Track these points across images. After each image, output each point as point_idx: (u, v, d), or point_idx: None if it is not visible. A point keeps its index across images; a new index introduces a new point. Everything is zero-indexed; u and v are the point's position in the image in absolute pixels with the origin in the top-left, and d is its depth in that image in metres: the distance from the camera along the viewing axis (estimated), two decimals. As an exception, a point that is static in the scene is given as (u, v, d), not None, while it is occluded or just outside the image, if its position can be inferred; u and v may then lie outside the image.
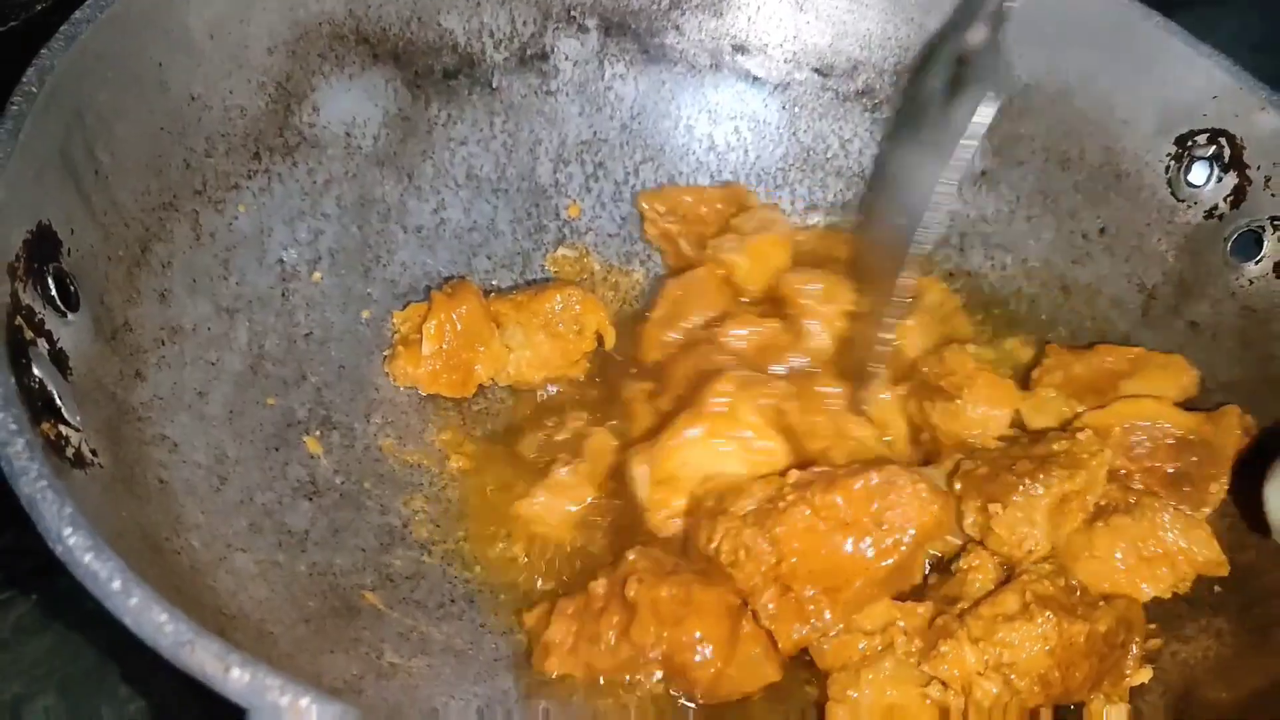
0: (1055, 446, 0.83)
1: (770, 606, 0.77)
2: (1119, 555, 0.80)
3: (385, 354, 0.97)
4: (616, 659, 0.77)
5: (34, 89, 0.73)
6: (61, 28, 0.78)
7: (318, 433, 0.91)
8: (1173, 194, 0.98)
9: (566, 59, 1.08)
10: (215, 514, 0.79)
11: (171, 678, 0.53)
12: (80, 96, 0.78)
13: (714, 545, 0.79)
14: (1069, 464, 0.81)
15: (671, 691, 0.79)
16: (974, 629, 0.75)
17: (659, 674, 0.78)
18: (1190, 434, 0.86)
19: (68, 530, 0.55)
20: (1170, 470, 0.85)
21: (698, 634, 0.76)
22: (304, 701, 0.50)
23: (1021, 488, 0.80)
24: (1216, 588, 0.83)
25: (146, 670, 0.81)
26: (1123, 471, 0.86)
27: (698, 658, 0.76)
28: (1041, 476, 0.81)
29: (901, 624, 0.78)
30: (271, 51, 0.94)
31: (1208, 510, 0.84)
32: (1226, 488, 0.84)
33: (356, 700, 0.73)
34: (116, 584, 0.54)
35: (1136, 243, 1.00)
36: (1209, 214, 0.96)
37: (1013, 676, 0.75)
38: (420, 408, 0.97)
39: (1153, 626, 0.83)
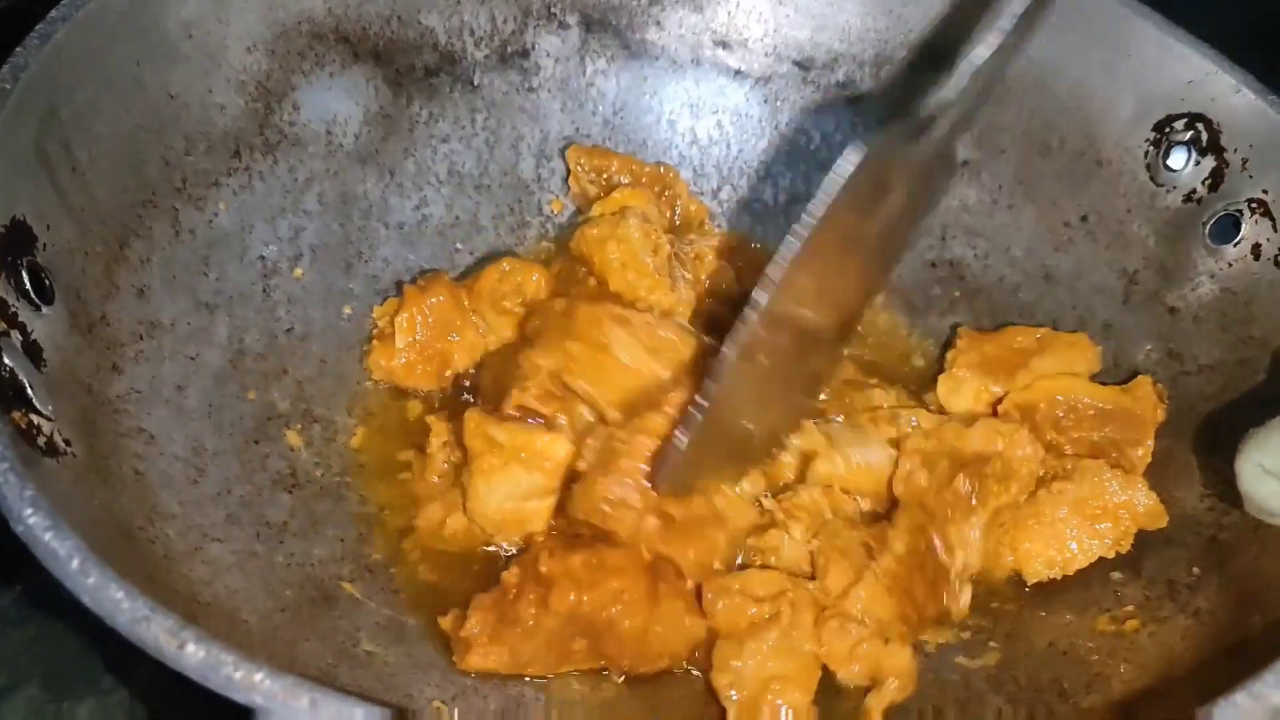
0: (985, 447, 0.86)
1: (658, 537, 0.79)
2: (1063, 517, 0.85)
3: (365, 349, 0.98)
4: (538, 637, 0.76)
5: (7, 86, 0.74)
6: (37, 27, 0.79)
7: (298, 426, 0.91)
8: (1152, 179, 0.98)
9: (548, 56, 1.09)
10: (192, 505, 0.80)
11: (155, 668, 0.54)
12: (55, 94, 0.79)
13: (589, 513, 0.80)
14: (1003, 474, 0.86)
15: (601, 668, 0.79)
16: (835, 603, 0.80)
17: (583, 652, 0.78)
18: (1109, 404, 0.91)
19: (28, 511, 0.56)
20: (1096, 438, 0.91)
21: (617, 588, 0.77)
22: (258, 676, 0.50)
23: (961, 511, 0.85)
24: (1195, 569, 0.83)
25: (130, 660, 0.81)
26: (1052, 443, 0.91)
27: (618, 610, 0.76)
28: (978, 490, 0.85)
29: (790, 595, 0.79)
30: (250, 50, 0.94)
31: (1139, 473, 0.89)
32: (1151, 451, 0.90)
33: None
34: (75, 563, 0.54)
35: (1118, 229, 1.00)
36: (1188, 198, 0.96)
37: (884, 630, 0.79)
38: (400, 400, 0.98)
39: (1130, 608, 0.82)
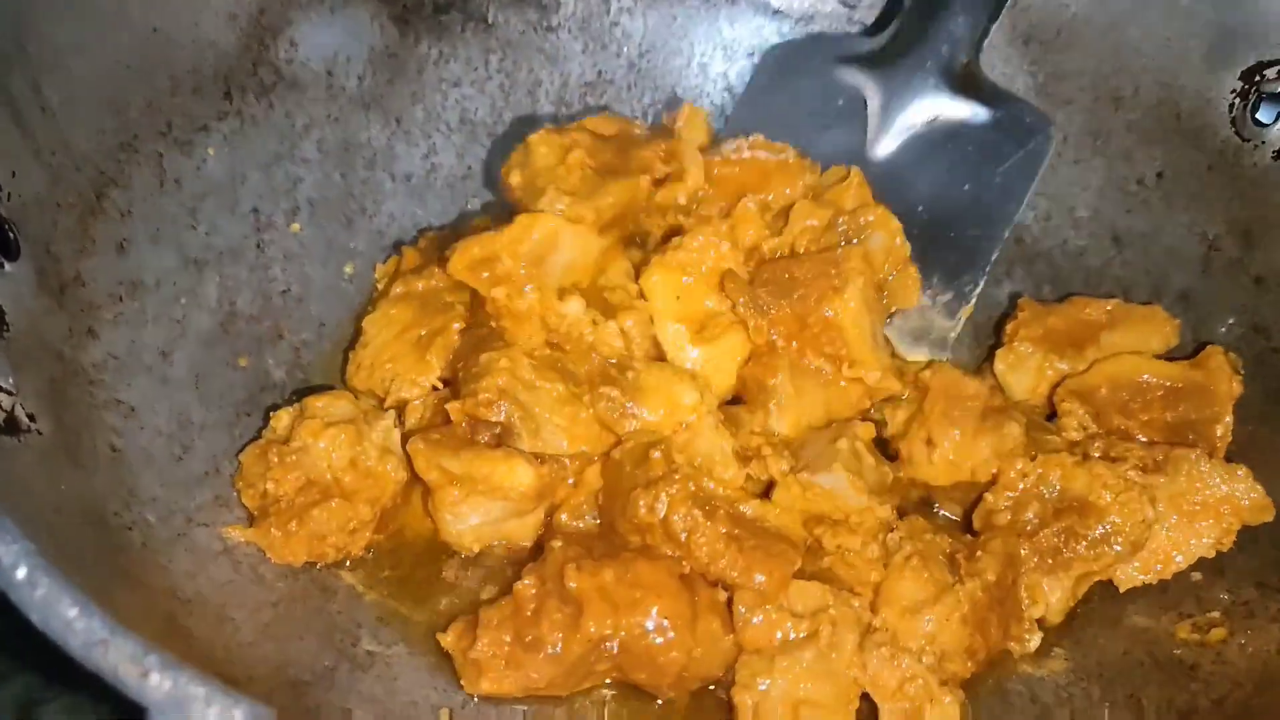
0: (1089, 495, 0.76)
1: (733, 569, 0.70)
2: (1159, 514, 0.75)
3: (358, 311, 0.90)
4: (564, 663, 0.67)
5: (-38, 19, 0.66)
6: (3, -47, 0.70)
7: (293, 397, 0.83)
8: (1238, 134, 0.89)
9: (569, -8, 1.00)
10: (175, 485, 0.72)
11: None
12: (25, 29, 0.71)
13: (658, 516, 0.71)
14: (1103, 539, 0.75)
15: (637, 684, 0.71)
16: (892, 624, 0.70)
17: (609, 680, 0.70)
18: (1178, 382, 0.83)
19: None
20: (1169, 419, 0.82)
21: (656, 614, 0.67)
22: (238, 713, 0.42)
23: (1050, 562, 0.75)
24: (1286, 574, 0.75)
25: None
26: (1121, 429, 0.82)
27: (660, 641, 0.67)
28: (1070, 549, 0.75)
29: (833, 612, 0.70)
30: (244, -20, 0.86)
31: (1222, 454, 0.81)
32: (1230, 428, 0.81)
33: (327, 695, 0.65)
34: (21, 572, 0.46)
35: (1197, 188, 0.91)
36: (1278, 155, 0.86)
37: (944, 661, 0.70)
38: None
39: (1215, 614, 0.74)
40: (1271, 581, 0.75)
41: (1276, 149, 0.87)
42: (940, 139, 0.93)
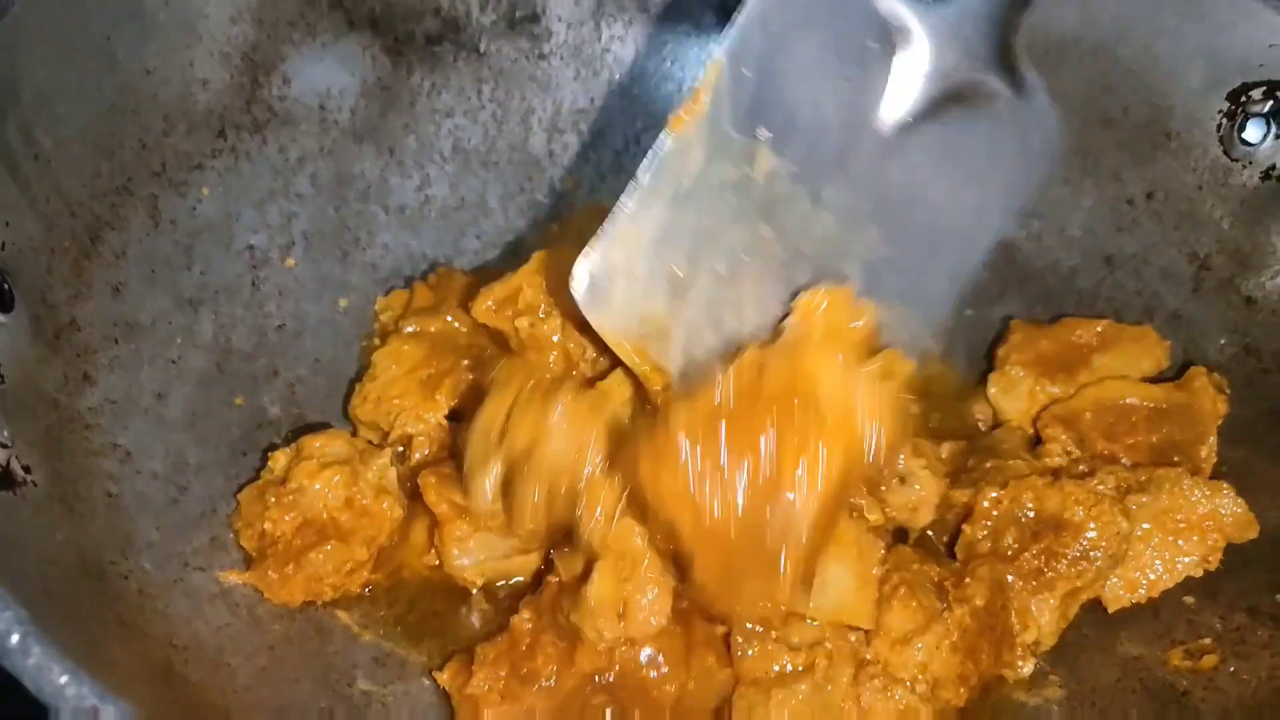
0: (1064, 513, 0.76)
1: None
2: (1144, 533, 0.77)
3: (363, 344, 0.90)
4: (558, 696, 0.68)
5: (-46, 68, 0.67)
6: (-9, 2, 0.71)
7: (289, 433, 0.84)
8: (1226, 153, 0.89)
9: (559, 20, 1.00)
10: (171, 529, 0.73)
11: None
12: (14, 75, 0.71)
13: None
14: (1081, 556, 0.75)
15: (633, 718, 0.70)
16: (884, 655, 0.70)
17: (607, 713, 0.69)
18: (1162, 403, 0.83)
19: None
20: (1154, 440, 0.83)
21: (653, 649, 0.68)
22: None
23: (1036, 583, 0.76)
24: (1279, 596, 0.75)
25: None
26: (1106, 453, 0.83)
27: (655, 675, 0.68)
28: (1051, 568, 0.75)
29: (829, 645, 0.70)
30: (235, 19, 0.86)
31: (1207, 475, 0.81)
32: (1215, 448, 0.82)
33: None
34: (15, 638, 0.47)
35: (1187, 208, 0.91)
36: (1266, 174, 0.87)
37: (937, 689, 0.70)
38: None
39: (1207, 641, 0.74)
40: (1263, 606, 0.75)
41: (1264, 168, 0.87)
42: (954, 121, 0.76)
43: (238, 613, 0.72)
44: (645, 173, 0.70)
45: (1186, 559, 0.77)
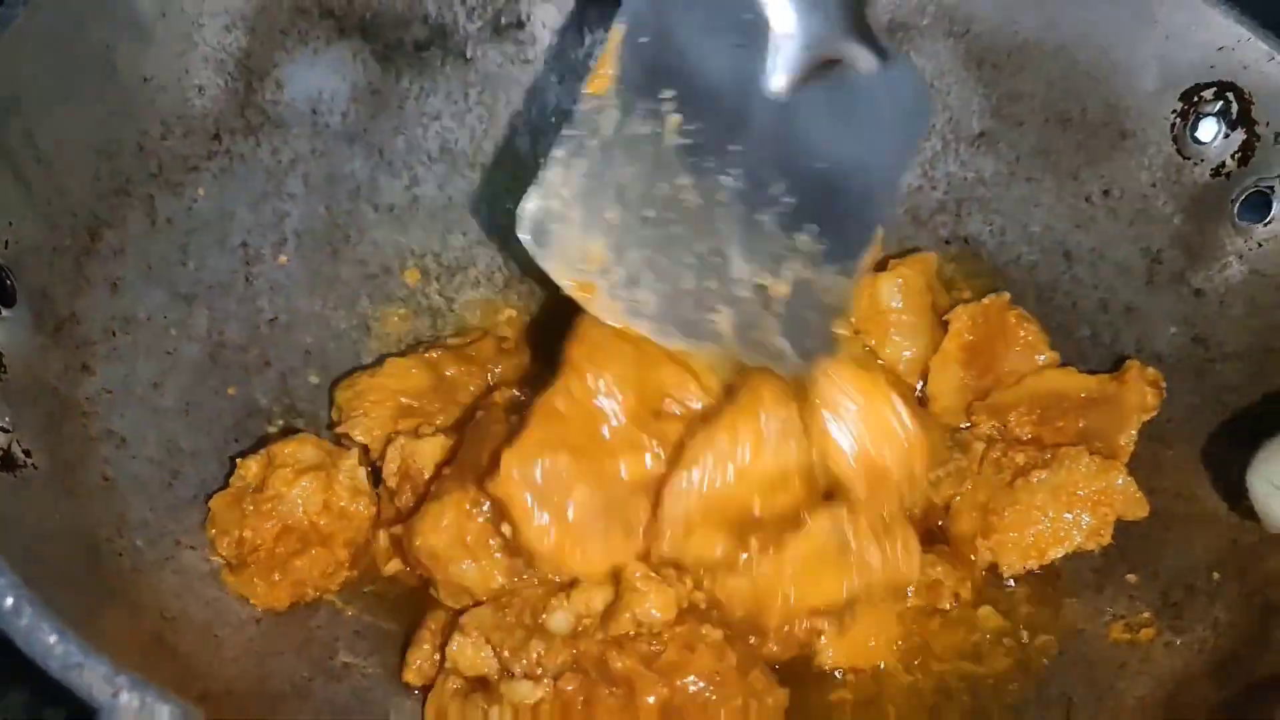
0: None
1: None
2: (1039, 504, 0.82)
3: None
4: None
5: (-41, 77, 0.71)
6: (-4, 12, 0.75)
7: (281, 421, 0.89)
8: (1179, 152, 0.92)
9: (544, 26, 1.04)
10: (164, 511, 0.77)
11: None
12: (17, 83, 0.75)
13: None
14: None
15: None
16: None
17: None
18: (1094, 393, 0.88)
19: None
20: (1080, 426, 0.87)
21: (709, 668, 0.69)
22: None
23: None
24: (1215, 574, 0.79)
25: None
26: (1033, 436, 0.88)
27: (713, 696, 0.69)
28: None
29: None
30: (229, 28, 0.90)
31: (1121, 462, 0.85)
32: (1134, 438, 0.86)
33: (302, 706, 0.71)
34: (8, 601, 0.51)
35: (1141, 205, 0.94)
36: (1216, 172, 0.90)
37: None
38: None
39: (1145, 615, 0.78)
40: (1200, 584, 0.79)
41: (1214, 166, 0.90)
42: (834, 84, 0.82)
43: (226, 589, 0.76)
44: (569, 128, 0.76)
45: (1078, 531, 0.82)
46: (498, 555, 0.74)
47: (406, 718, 0.74)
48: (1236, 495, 0.77)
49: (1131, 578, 0.82)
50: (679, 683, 0.68)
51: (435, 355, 0.92)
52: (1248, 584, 0.76)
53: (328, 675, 0.74)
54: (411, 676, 0.75)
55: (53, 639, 0.50)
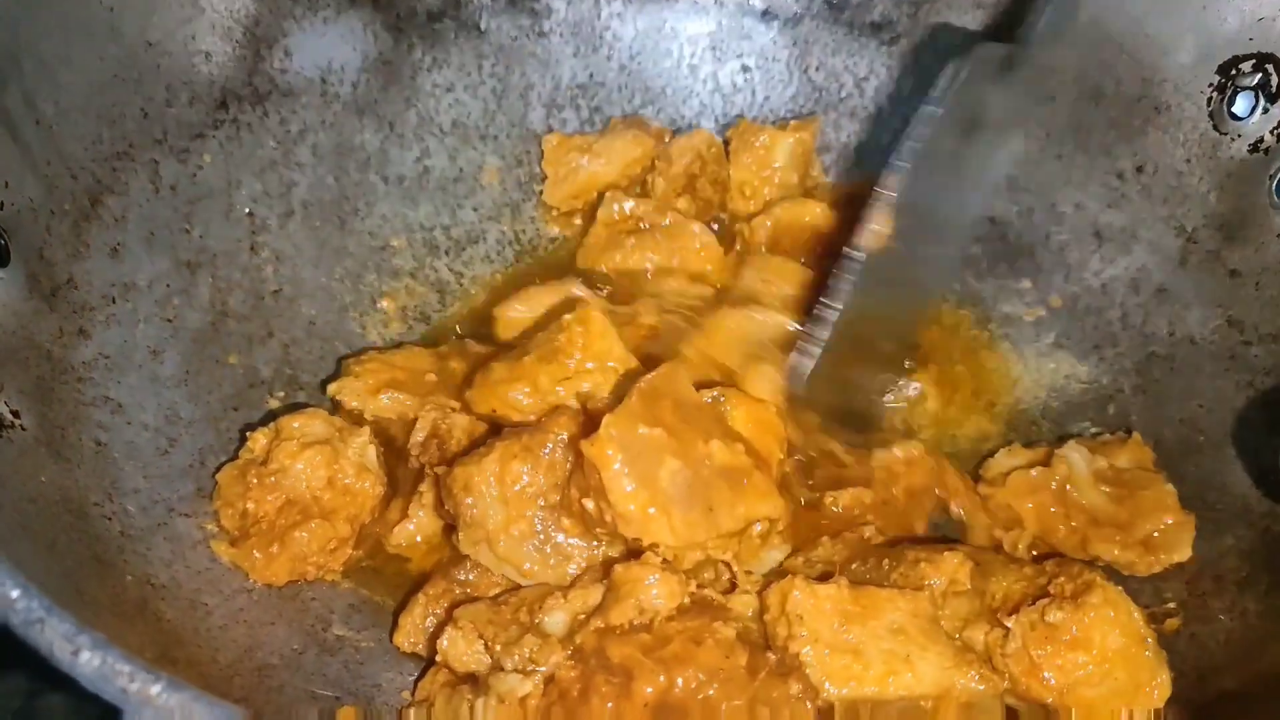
0: None
1: None
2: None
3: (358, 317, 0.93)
4: None
5: (-44, 38, 0.70)
6: (-6, -27, 0.74)
7: (282, 393, 0.87)
8: (1215, 127, 0.88)
9: (560, -2, 1.02)
10: (159, 478, 0.76)
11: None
12: (17, 46, 0.74)
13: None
14: None
15: None
16: None
17: None
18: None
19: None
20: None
21: (712, 663, 0.67)
22: (155, 689, 0.46)
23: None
24: (1246, 565, 0.75)
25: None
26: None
27: (714, 693, 0.66)
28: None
29: None
30: (238, -6, 0.89)
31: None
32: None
33: (292, 678, 0.69)
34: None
35: (1175, 182, 0.91)
36: (1254, 148, 0.86)
37: None
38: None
39: (1171, 605, 0.75)
40: (1228, 575, 0.75)
41: (1252, 142, 0.86)
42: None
43: (218, 559, 0.74)
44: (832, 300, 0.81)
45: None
46: (529, 514, 0.73)
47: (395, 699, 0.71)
48: (1268, 480, 0.73)
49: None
50: (679, 675, 0.66)
51: (444, 349, 0.90)
52: (1278, 574, 0.73)
53: (320, 647, 0.72)
54: (400, 640, 0.73)
55: (15, 594, 0.48)
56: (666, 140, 1.02)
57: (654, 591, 0.68)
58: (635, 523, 0.70)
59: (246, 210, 0.91)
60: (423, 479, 0.80)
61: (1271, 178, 0.85)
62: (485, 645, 0.70)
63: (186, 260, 0.86)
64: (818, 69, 1.04)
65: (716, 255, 0.96)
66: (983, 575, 0.74)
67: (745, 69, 1.05)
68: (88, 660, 0.47)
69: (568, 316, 0.81)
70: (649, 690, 0.65)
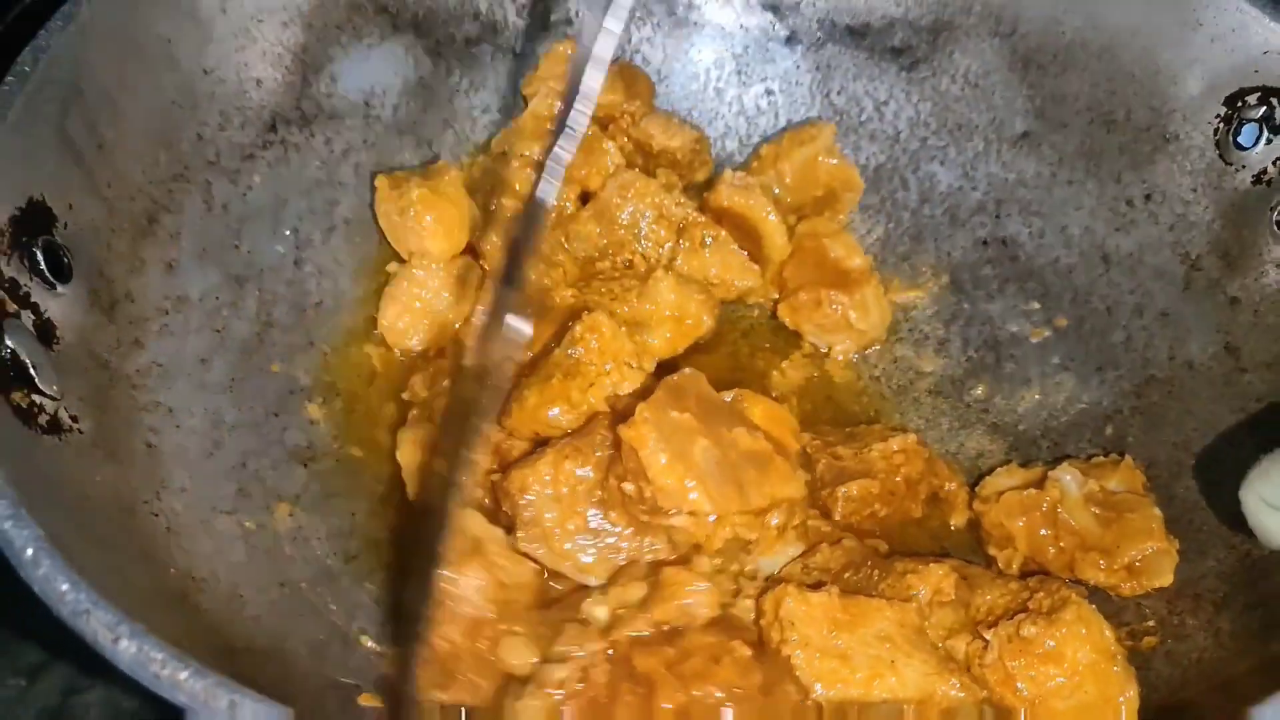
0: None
1: None
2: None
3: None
4: None
5: (27, 69, 0.76)
6: (61, 7, 0.80)
7: (320, 399, 0.93)
8: (1221, 157, 0.91)
9: (593, 22, 1.07)
10: (204, 478, 0.82)
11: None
12: (80, 74, 0.80)
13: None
14: None
15: None
16: None
17: None
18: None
19: (-9, 498, 0.58)
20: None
21: (729, 678, 0.71)
22: (183, 675, 0.52)
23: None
24: (1224, 585, 0.78)
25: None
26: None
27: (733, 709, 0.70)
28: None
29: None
30: (287, 24, 0.95)
31: None
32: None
33: (317, 667, 0.74)
34: (29, 552, 0.56)
35: (1182, 210, 0.93)
36: (1257, 179, 0.89)
37: None
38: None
39: (1150, 623, 0.78)
40: (1206, 595, 0.78)
41: (1255, 173, 0.89)
42: None
43: (255, 555, 0.80)
44: None
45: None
46: (580, 509, 0.79)
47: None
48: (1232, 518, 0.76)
49: (1141, 585, 0.81)
50: (698, 692, 0.70)
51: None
52: (1256, 595, 0.76)
53: (343, 642, 0.78)
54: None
55: (65, 587, 0.54)
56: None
57: (697, 599, 0.74)
58: (674, 494, 0.76)
59: (292, 227, 0.97)
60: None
61: (1273, 209, 0.88)
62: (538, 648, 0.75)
63: (235, 274, 0.92)
64: (839, 93, 1.08)
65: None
66: (970, 588, 0.78)
67: (769, 92, 1.09)
68: (126, 648, 0.53)
69: (578, 328, 0.86)
70: (668, 706, 0.70)
